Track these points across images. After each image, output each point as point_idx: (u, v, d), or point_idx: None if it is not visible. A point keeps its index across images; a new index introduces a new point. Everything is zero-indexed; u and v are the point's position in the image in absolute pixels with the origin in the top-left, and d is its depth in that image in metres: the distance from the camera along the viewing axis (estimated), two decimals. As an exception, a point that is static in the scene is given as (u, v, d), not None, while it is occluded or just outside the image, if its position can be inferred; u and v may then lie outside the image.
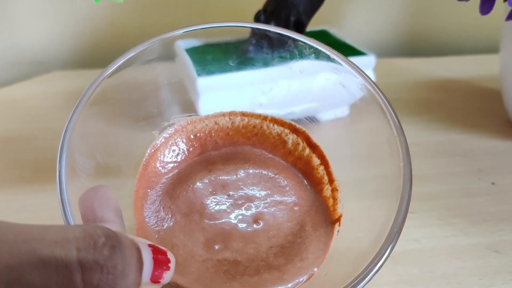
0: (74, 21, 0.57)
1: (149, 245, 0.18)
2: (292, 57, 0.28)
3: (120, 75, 0.25)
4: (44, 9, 0.55)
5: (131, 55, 0.25)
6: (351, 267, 0.21)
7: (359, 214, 0.26)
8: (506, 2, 0.35)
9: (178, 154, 0.29)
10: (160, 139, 0.29)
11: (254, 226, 0.26)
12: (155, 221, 0.26)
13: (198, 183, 0.27)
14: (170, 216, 0.26)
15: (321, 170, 0.29)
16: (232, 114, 0.31)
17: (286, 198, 0.28)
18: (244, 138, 0.31)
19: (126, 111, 0.28)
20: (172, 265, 0.18)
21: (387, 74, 0.54)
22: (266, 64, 0.31)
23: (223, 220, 0.26)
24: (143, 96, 0.29)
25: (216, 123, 0.30)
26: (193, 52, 0.37)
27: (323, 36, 0.47)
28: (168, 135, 0.29)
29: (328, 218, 0.27)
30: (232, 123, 0.30)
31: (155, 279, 0.17)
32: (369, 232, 0.23)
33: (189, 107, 0.31)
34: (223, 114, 0.31)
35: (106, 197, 0.21)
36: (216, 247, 0.25)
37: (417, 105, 0.50)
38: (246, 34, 0.35)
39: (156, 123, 0.29)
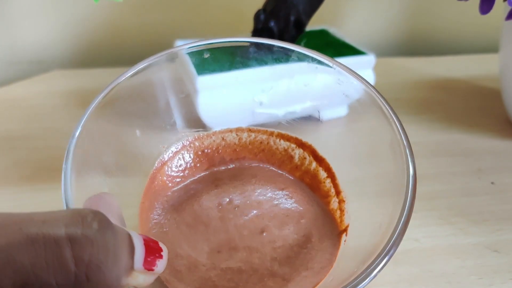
0: (73, 20, 0.57)
1: (140, 234, 0.18)
2: (292, 59, 0.28)
3: (126, 88, 0.25)
4: (44, 8, 0.55)
5: (139, 67, 0.25)
6: (356, 269, 0.21)
7: (362, 216, 0.26)
8: (506, 2, 0.35)
9: (185, 169, 0.29)
10: (167, 154, 0.29)
11: (260, 237, 0.26)
12: (160, 232, 0.26)
13: (204, 197, 0.27)
14: (175, 227, 0.26)
15: (328, 183, 0.29)
16: (239, 130, 0.31)
17: (293, 211, 0.27)
18: (251, 154, 0.31)
19: (134, 124, 0.28)
20: (164, 254, 0.18)
21: (386, 73, 0.54)
22: (266, 63, 0.31)
23: (228, 231, 0.26)
24: (150, 110, 0.29)
25: (223, 139, 0.30)
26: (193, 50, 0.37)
27: (322, 36, 0.47)
28: (175, 150, 0.29)
29: (335, 230, 0.27)
30: (239, 139, 0.30)
31: (148, 266, 0.17)
32: (373, 234, 0.22)
33: (196, 122, 0.31)
34: (230, 130, 0.31)
35: (110, 204, 0.21)
36: (220, 257, 0.25)
37: (417, 105, 0.50)
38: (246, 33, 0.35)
39: (164, 138, 0.29)
